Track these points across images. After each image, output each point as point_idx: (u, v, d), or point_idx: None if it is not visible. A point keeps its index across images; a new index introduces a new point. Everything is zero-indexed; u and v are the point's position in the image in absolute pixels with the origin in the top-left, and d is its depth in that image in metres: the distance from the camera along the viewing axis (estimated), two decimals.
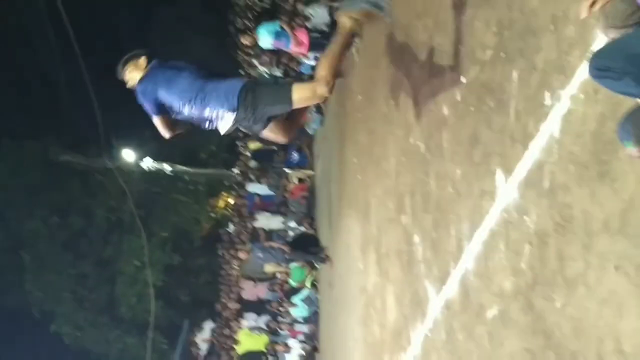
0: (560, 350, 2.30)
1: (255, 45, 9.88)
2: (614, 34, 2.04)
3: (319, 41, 8.73)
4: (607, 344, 2.02)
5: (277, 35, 8.42)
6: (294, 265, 12.72)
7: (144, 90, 3.65)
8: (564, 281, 2.31)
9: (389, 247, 5.43)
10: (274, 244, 11.60)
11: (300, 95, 3.41)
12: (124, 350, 17.58)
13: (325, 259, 10.13)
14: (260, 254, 11.56)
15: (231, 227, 15.77)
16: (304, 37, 8.48)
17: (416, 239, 4.38)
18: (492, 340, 2.93)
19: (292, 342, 12.37)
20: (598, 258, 2.10)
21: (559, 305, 2.33)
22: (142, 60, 3.82)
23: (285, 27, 8.75)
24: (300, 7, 10.21)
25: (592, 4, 1.79)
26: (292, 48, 8.73)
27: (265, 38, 8.61)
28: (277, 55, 10.06)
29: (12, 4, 17.45)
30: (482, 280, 3.07)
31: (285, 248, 11.04)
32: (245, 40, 10.36)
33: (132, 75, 3.80)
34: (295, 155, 14.01)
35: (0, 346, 17.53)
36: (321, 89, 3.36)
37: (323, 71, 3.38)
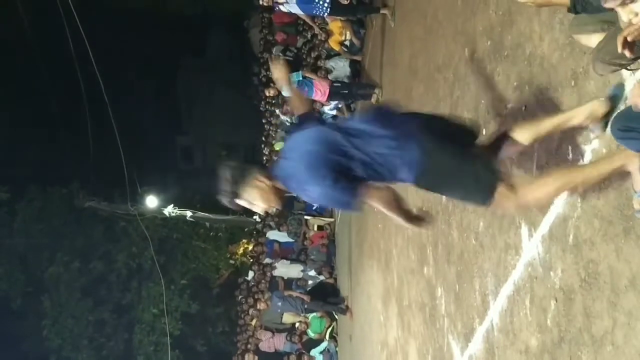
0: None
1: (279, 94, 10.11)
2: (601, 70, 2.03)
3: (338, 90, 8.91)
4: None
5: (300, 84, 8.64)
6: (313, 315, 12.55)
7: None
8: (590, 339, 2.26)
9: (411, 299, 5.36)
10: (293, 293, 11.50)
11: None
12: None
13: (345, 310, 9.99)
14: (279, 303, 11.45)
15: (250, 275, 15.68)
16: (325, 86, 8.69)
17: (439, 291, 4.32)
18: None
19: None
20: (625, 316, 2.06)
21: None
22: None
23: (307, 75, 8.99)
24: (321, 62, 10.48)
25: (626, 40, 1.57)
26: (315, 96, 8.93)
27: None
28: None
29: (45, 50, 18.17)
30: (507, 337, 3.01)
31: (305, 297, 10.93)
32: (269, 92, 10.65)
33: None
34: None
35: None
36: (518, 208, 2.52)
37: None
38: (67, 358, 17.86)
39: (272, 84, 10.60)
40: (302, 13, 8.01)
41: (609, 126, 1.97)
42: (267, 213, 15.78)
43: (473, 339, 3.47)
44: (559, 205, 2.56)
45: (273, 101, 13.74)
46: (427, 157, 2.25)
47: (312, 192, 2.36)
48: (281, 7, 7.80)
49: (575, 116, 2.30)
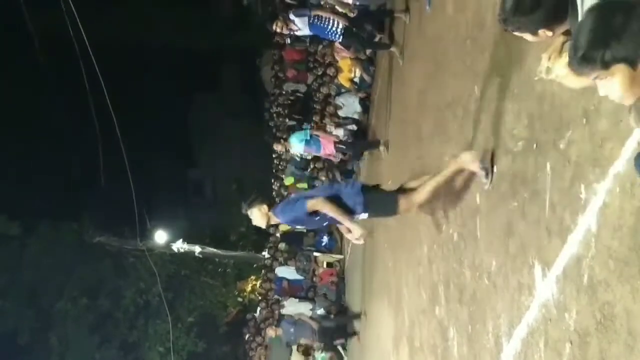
0: None
1: (288, 152, 10.64)
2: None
3: (342, 150, 9.63)
4: None
5: (307, 143, 9.13)
6: (321, 355, 12.32)
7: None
8: None
9: (422, 340, 5.24)
10: (305, 320, 11.26)
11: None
12: None
13: (353, 334, 9.73)
14: (291, 329, 11.21)
15: (258, 313, 15.50)
16: (330, 144, 9.23)
17: (451, 332, 4.22)
18: None
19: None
20: None
21: None
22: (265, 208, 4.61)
23: (315, 133, 9.48)
24: (331, 99, 10.69)
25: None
26: (323, 152, 9.49)
27: (297, 145, 9.34)
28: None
29: (59, 85, 18.53)
30: None
31: (314, 324, 10.69)
32: (278, 147, 11.14)
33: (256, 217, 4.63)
34: (325, 239, 13.96)
35: None
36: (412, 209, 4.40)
37: (423, 196, 4.24)
38: None
39: (282, 140, 11.17)
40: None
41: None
42: (276, 248, 15.71)
43: None
44: (573, 244, 2.51)
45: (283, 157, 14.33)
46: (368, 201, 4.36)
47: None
48: (296, 32, 8.01)
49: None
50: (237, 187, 20.97)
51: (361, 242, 4.73)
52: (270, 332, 10.81)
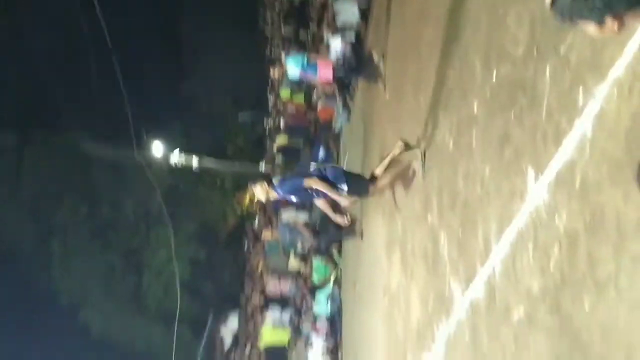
0: (588, 354, 2.25)
1: (284, 75, 10.38)
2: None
3: (341, 73, 9.29)
4: (637, 350, 1.96)
5: (304, 68, 8.79)
6: (317, 262, 12.73)
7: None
8: (593, 283, 2.25)
9: (414, 246, 5.39)
10: (299, 226, 11.43)
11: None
12: (150, 339, 17.82)
13: (355, 233, 9.65)
14: (287, 234, 11.37)
15: (256, 223, 15.86)
16: (328, 70, 8.96)
17: (442, 238, 4.33)
18: (518, 342, 2.87)
19: (314, 338, 12.38)
20: (630, 261, 2.04)
21: (587, 308, 2.28)
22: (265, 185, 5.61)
23: (312, 58, 9.17)
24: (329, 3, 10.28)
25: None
26: (319, 79, 9.16)
27: (293, 68, 8.98)
28: None
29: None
30: (509, 281, 3.02)
31: (308, 234, 10.78)
32: (274, 72, 10.76)
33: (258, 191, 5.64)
34: (321, 152, 13.98)
35: (28, 336, 17.94)
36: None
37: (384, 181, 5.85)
38: (78, 300, 18.32)
39: (278, 62, 10.79)
40: None
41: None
42: (273, 162, 15.82)
43: (474, 284, 3.49)
44: (567, 149, 2.51)
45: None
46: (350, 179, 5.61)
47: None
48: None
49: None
50: (233, 100, 20.76)
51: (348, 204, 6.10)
52: (267, 234, 11.03)
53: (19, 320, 18.62)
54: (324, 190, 5.52)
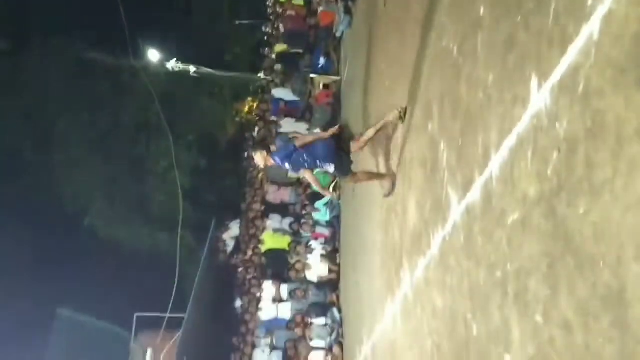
0: (580, 255, 2.34)
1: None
2: None
3: None
4: (628, 250, 2.04)
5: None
6: (317, 171, 12.87)
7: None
8: (589, 188, 2.31)
9: (413, 154, 5.44)
10: (299, 137, 11.38)
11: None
12: (155, 245, 18.39)
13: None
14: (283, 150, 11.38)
15: (255, 132, 15.85)
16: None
17: (442, 146, 4.37)
18: (511, 244, 2.98)
19: (314, 243, 12.76)
20: (627, 165, 2.08)
21: (582, 211, 2.35)
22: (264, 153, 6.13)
23: None
24: None
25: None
26: None
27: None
28: None
29: None
30: (505, 187, 3.08)
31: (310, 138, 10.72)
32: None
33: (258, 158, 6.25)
34: (321, 60, 13.72)
35: (35, 240, 18.49)
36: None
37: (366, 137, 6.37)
38: (82, 207, 18.69)
39: None
40: None
41: None
42: (272, 70, 15.54)
43: (472, 190, 3.56)
44: (573, 54, 2.48)
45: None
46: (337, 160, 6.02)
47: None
48: None
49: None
50: (231, 5, 20.05)
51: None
52: (262, 163, 11.05)
53: (24, 227, 19.12)
54: (313, 183, 6.85)
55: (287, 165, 6.18)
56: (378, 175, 6.63)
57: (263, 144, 6.32)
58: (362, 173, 6.65)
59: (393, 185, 6.12)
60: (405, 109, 5.76)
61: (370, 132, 6.28)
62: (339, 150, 6.09)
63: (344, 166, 6.18)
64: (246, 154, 16.00)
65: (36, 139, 18.64)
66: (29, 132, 18.53)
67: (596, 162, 2.27)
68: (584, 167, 2.35)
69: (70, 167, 18.77)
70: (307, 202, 13.43)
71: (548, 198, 2.62)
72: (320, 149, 6.02)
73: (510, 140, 3.03)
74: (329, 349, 11.39)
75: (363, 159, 7.51)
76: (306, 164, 6.10)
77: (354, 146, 6.26)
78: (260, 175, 14.45)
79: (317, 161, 6.04)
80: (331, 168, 6.11)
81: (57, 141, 18.55)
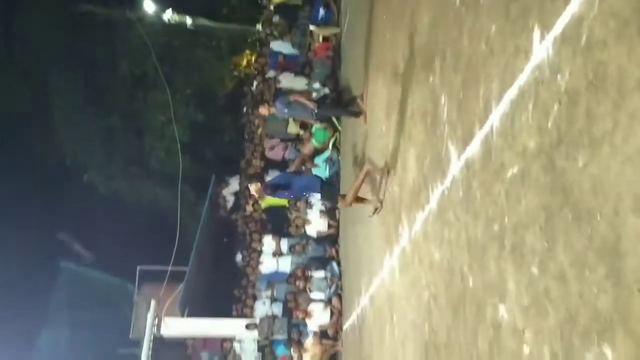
0: (578, 208, 2.36)
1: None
2: None
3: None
4: (625, 202, 2.06)
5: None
6: (316, 127, 12.81)
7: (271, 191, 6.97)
8: (589, 140, 2.30)
9: (413, 108, 5.40)
10: (299, 99, 11.20)
11: None
12: (156, 200, 18.47)
13: (358, 113, 9.49)
14: (285, 110, 11.29)
15: (254, 86, 15.68)
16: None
17: (443, 99, 4.33)
18: (509, 198, 3.00)
19: (313, 199, 12.83)
20: (628, 117, 2.07)
21: (581, 164, 2.35)
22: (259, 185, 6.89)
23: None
24: None
25: None
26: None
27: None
28: None
29: None
30: (505, 140, 3.08)
31: (311, 104, 10.46)
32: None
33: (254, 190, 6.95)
34: (321, 12, 13.44)
35: (35, 195, 18.58)
36: None
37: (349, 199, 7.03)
38: (82, 162, 18.68)
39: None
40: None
41: None
42: (270, 22, 15.24)
43: (471, 144, 3.56)
44: (576, 5, 2.43)
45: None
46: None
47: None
48: None
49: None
50: None
51: None
52: (263, 111, 10.89)
53: (25, 183, 19.19)
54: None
55: (285, 194, 7.03)
56: (365, 200, 7.16)
57: (257, 177, 7.32)
58: (351, 197, 7.16)
59: (377, 210, 6.75)
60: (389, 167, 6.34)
61: (353, 190, 6.95)
62: (324, 183, 7.07)
63: (331, 195, 7.18)
64: (245, 109, 15.87)
65: (33, 94, 18.45)
66: (25, 88, 18.34)
67: (597, 114, 2.26)
68: (584, 119, 2.34)
69: (68, 122, 18.66)
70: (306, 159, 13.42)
71: (547, 151, 2.62)
72: (306, 181, 6.97)
73: (512, 93, 3.01)
74: (328, 301, 11.63)
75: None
76: (294, 192, 6.97)
77: (342, 204, 7.20)
78: (260, 130, 14.39)
79: (304, 192, 6.98)
80: (318, 195, 6.90)
81: (54, 96, 18.36)
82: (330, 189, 7.10)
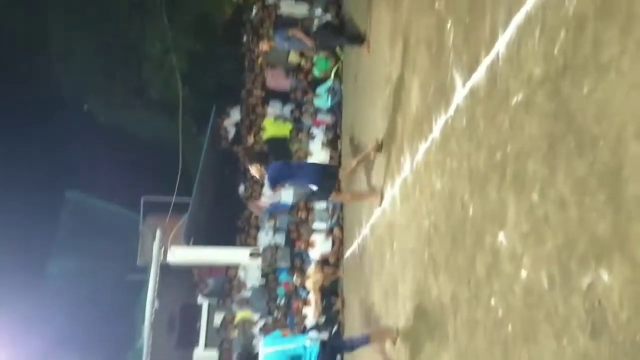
0: (581, 135, 2.36)
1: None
2: None
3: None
4: (629, 129, 2.05)
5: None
6: (318, 56, 12.59)
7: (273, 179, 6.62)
8: (595, 67, 2.27)
9: (418, 35, 5.28)
10: (297, 34, 10.93)
11: None
12: (157, 131, 18.40)
13: (362, 41, 9.20)
14: (285, 43, 11.11)
15: (254, 13, 15.25)
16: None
17: (448, 26, 4.23)
18: (513, 126, 2.99)
19: (315, 130, 12.81)
20: (635, 43, 2.03)
21: (586, 90, 2.33)
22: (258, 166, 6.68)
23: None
24: None
25: None
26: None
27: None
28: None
29: None
30: (511, 67, 3.03)
31: (309, 42, 10.10)
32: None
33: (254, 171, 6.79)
34: None
35: (36, 125, 18.54)
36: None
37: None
38: (81, 91, 18.51)
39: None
40: None
41: None
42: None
43: (477, 71, 3.51)
44: None
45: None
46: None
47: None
48: None
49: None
50: None
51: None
52: (265, 47, 10.65)
53: (26, 114, 19.11)
54: None
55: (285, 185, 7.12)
56: (362, 195, 7.56)
57: (259, 156, 7.00)
58: (348, 193, 7.90)
59: (382, 199, 6.70)
60: (382, 141, 6.61)
61: (353, 163, 7.40)
62: (324, 175, 6.89)
63: (329, 185, 6.94)
64: (244, 37, 15.52)
65: (31, 24, 18.02)
66: (21, 19, 17.89)
67: (604, 41, 2.22)
68: (591, 45, 2.30)
69: (66, 51, 18.34)
70: (308, 88, 13.29)
71: (553, 78, 2.59)
72: (307, 172, 6.85)
73: (519, 18, 2.94)
74: (329, 231, 11.86)
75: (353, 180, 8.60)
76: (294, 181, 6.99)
77: (342, 174, 7.49)
78: (260, 59, 14.14)
79: (303, 184, 6.96)
80: (315, 187, 6.80)
81: (51, 25, 17.94)
82: (330, 182, 6.82)
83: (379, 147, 6.75)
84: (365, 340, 6.19)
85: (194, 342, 16.40)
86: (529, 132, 2.80)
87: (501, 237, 3.10)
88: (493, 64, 3.27)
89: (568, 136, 2.45)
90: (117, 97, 18.52)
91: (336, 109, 12.63)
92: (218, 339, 14.44)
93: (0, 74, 17.48)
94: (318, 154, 12.41)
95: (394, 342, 5.74)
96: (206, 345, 16.11)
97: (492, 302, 3.20)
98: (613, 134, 2.13)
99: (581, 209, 2.33)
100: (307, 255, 12.10)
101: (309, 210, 12.36)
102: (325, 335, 10.61)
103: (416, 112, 5.19)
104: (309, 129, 12.96)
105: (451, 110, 4.06)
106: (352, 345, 6.39)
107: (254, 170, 6.73)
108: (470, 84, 3.63)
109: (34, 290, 17.76)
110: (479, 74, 3.48)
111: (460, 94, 3.86)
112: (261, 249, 12.93)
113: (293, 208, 12.59)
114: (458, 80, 3.91)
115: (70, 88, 18.70)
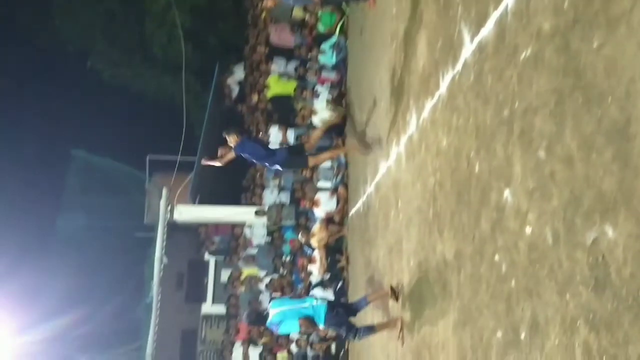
0: (589, 90, 2.33)
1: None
2: None
3: None
4: (638, 85, 2.03)
5: None
6: (322, 11, 12.34)
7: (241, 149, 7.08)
8: (606, 21, 2.23)
9: None
10: None
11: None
12: (161, 88, 18.25)
13: None
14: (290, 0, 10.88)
15: None
16: None
17: None
18: (521, 81, 2.96)
19: (320, 88, 12.67)
20: None
21: (595, 45, 2.29)
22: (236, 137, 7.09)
23: None
24: None
25: None
26: None
27: None
28: None
29: None
30: (520, 21, 2.97)
31: None
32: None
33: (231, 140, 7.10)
34: None
35: (39, 82, 18.42)
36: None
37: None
38: (84, 48, 18.29)
39: None
40: None
41: None
42: None
43: (485, 25, 3.45)
44: None
45: None
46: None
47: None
48: None
49: None
50: None
51: None
52: (269, 3, 10.39)
53: (27, 71, 18.97)
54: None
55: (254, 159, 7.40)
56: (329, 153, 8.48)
57: (237, 129, 7.30)
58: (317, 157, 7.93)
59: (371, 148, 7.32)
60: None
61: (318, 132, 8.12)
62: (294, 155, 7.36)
63: (297, 161, 7.53)
64: None
65: None
66: None
67: None
68: None
69: (67, 7, 18.06)
70: (312, 45, 13.08)
71: (562, 32, 2.54)
72: (280, 155, 7.26)
73: None
74: (334, 190, 11.89)
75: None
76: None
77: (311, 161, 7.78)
78: (264, 14, 13.89)
79: (275, 164, 7.33)
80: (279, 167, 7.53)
81: None
82: (298, 159, 7.42)
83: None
84: (364, 302, 6.39)
85: (202, 298, 16.75)
86: (537, 88, 2.77)
87: (507, 193, 3.11)
88: (502, 18, 3.21)
89: (576, 92, 2.43)
90: (120, 54, 18.27)
91: (341, 66, 12.46)
92: (225, 294, 14.72)
93: (3, 33, 17.29)
94: (323, 111, 12.32)
95: (396, 300, 5.84)
96: (214, 300, 16.47)
97: (496, 258, 3.23)
98: (622, 89, 2.11)
99: (588, 165, 2.33)
100: (312, 214, 12.18)
101: (313, 168, 12.37)
102: (330, 292, 10.80)
103: (423, 68, 5.13)
104: (314, 86, 12.82)
105: (459, 66, 4.00)
106: (357, 308, 6.50)
107: (231, 139, 7.09)
108: (478, 38, 3.57)
109: (45, 246, 18.02)
110: (487, 29, 3.41)
111: (468, 49, 3.80)
112: (266, 208, 13.00)
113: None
114: (466, 35, 3.84)
115: (72, 44, 18.48)
